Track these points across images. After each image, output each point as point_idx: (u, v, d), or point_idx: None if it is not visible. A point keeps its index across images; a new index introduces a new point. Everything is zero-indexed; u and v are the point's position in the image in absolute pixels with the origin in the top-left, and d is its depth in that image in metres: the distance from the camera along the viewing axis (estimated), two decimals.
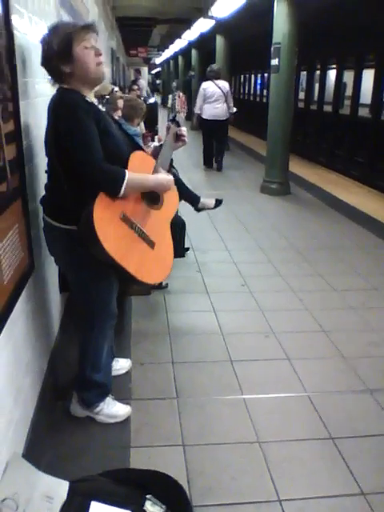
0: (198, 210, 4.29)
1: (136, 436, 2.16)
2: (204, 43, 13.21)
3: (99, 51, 1.84)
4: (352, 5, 8.58)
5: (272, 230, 5.24)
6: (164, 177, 1.96)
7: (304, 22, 6.55)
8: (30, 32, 2.08)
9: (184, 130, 2.13)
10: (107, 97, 3.54)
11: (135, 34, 15.80)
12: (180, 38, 14.23)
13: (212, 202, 4.32)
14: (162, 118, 14.70)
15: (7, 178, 1.64)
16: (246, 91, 19.23)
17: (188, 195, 4.22)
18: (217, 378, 2.60)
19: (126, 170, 1.79)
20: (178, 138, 2.12)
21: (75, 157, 1.73)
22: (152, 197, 1.95)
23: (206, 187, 7.21)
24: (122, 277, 1.94)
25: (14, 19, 1.89)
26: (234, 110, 8.12)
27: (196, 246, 4.60)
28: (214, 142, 8.25)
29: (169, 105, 2.95)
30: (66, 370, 2.47)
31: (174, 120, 2.14)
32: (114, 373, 2.53)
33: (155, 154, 2.18)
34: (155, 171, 1.97)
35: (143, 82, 16.04)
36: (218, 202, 4.34)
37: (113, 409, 2.24)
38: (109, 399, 2.26)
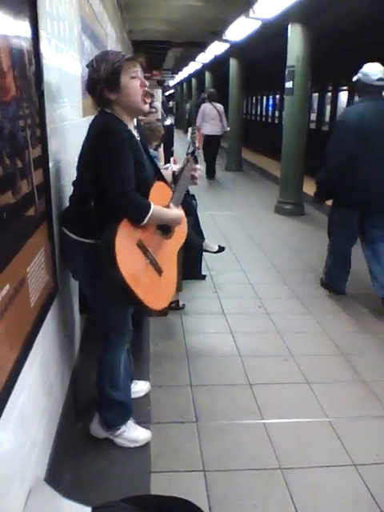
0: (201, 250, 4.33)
1: (156, 461, 2.15)
2: (218, 66, 13.38)
3: (144, 82, 1.90)
4: (364, 27, 8.68)
5: (287, 250, 5.23)
6: (179, 214, 2.04)
7: (317, 44, 6.63)
8: (56, 58, 2.12)
9: (199, 168, 2.21)
10: None
11: (150, 56, 16.08)
12: (194, 60, 14.42)
13: (215, 247, 4.45)
14: (178, 139, 14.87)
15: (35, 203, 1.66)
16: (259, 112, 19.44)
17: (196, 231, 4.27)
18: (236, 402, 2.58)
19: (152, 203, 1.85)
20: (192, 177, 2.19)
21: (109, 186, 1.79)
22: (164, 227, 2.03)
23: (220, 207, 7.26)
24: (129, 300, 1.95)
25: (43, 46, 1.94)
26: (228, 128, 9.60)
27: (212, 267, 4.60)
28: (209, 154, 9.46)
29: (188, 138, 3.02)
30: (86, 391, 2.47)
31: (193, 153, 2.19)
32: (133, 395, 2.52)
33: (173, 180, 2.22)
34: (169, 205, 2.03)
35: (158, 104, 16.20)
36: (221, 249, 4.43)
37: (133, 433, 2.23)
38: (130, 422, 2.25)
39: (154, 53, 15.10)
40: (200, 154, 2.23)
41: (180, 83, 26.13)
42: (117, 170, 1.77)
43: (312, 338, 3.32)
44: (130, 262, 1.80)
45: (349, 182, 3.55)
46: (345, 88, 14.58)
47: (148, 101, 1.91)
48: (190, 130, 2.28)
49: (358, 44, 10.14)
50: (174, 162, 7.17)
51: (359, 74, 3.60)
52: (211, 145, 9.23)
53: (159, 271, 1.98)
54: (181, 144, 13.25)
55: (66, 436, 2.17)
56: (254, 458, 2.18)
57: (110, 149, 1.78)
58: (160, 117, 11.83)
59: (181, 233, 2.18)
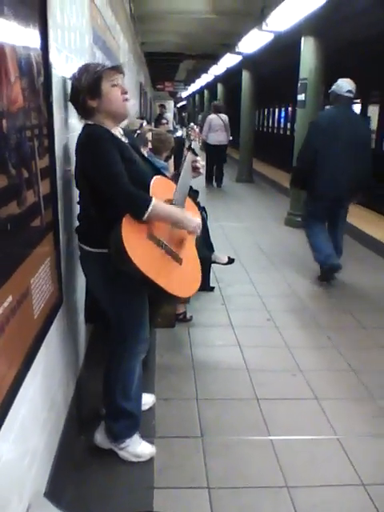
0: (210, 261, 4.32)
1: (159, 476, 2.11)
2: (230, 78, 13.44)
3: (125, 89, 1.97)
4: (380, 40, 8.67)
5: (297, 263, 5.18)
6: (190, 216, 2.01)
7: (331, 56, 6.63)
8: (67, 69, 2.13)
9: (199, 159, 2.23)
10: (139, 131, 3.60)
11: (162, 68, 16.23)
12: (206, 72, 14.50)
13: (224, 258, 4.42)
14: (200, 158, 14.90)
15: (41, 213, 1.65)
16: (271, 124, 19.49)
17: (205, 243, 4.25)
18: (242, 417, 2.54)
19: (153, 198, 1.85)
20: (195, 168, 2.22)
21: (104, 186, 1.84)
22: None
23: (230, 218, 7.24)
24: (153, 292, 1.97)
25: (52, 57, 1.95)
26: (230, 138, 10.20)
27: (220, 279, 4.57)
28: (216, 162, 10.04)
29: (184, 135, 3.18)
30: (90, 403, 2.45)
31: (189, 148, 2.23)
32: None
33: (173, 180, 2.23)
34: (173, 199, 2.03)
35: (169, 115, 16.36)
36: (230, 260, 4.40)
37: (138, 448, 2.19)
38: (136, 437, 2.21)
39: (167, 65, 15.22)
40: (197, 146, 2.28)
41: (192, 95, 26.29)
42: (107, 168, 1.82)
43: (321, 352, 3.27)
44: (141, 252, 1.80)
45: (319, 176, 4.17)
46: (358, 101, 14.56)
47: (127, 105, 1.99)
48: (185, 128, 2.36)
49: (373, 57, 10.13)
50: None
51: (333, 86, 4.28)
52: (218, 153, 9.92)
53: (178, 260, 1.97)
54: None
55: (69, 449, 2.14)
56: (259, 476, 2.13)
57: (95, 152, 1.84)
58: (171, 128, 11.95)
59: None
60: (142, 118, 7.83)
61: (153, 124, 9.84)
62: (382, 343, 3.38)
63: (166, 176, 2.25)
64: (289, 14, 5.71)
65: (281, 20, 6.05)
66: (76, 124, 2.00)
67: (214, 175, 10.20)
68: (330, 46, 6.67)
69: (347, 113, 4.30)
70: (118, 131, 2.03)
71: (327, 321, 3.73)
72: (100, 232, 1.89)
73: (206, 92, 19.12)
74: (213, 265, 4.48)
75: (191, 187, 5.05)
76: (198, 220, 2.05)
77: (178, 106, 36.35)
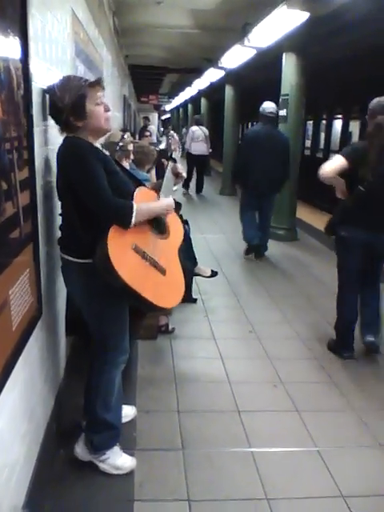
0: (192, 273, 4.34)
1: (140, 489, 2.09)
2: (213, 92, 13.56)
3: (108, 107, 1.99)
4: (360, 58, 8.85)
5: (280, 275, 5.22)
6: (165, 201, 2.12)
7: (311, 73, 6.74)
8: (47, 81, 2.13)
9: (179, 166, 2.38)
10: (121, 144, 3.61)
11: (147, 81, 16.33)
12: (190, 86, 14.60)
13: (208, 271, 4.45)
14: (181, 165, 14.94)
15: (20, 225, 1.65)
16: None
17: (188, 256, 4.27)
18: (224, 430, 2.53)
19: (133, 202, 1.90)
20: (177, 174, 2.36)
21: (88, 199, 1.87)
22: (159, 228, 2.08)
23: (213, 231, 7.26)
24: (138, 304, 2.02)
25: (33, 68, 1.95)
26: (210, 150, 10.92)
27: (203, 290, 4.58)
28: (196, 170, 10.86)
29: (164, 146, 3.39)
30: (70, 415, 2.42)
31: (171, 157, 2.35)
32: None
33: (155, 189, 2.30)
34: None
35: (153, 127, 16.42)
36: (214, 273, 4.43)
37: (118, 460, 2.18)
38: (116, 448, 2.20)
39: (151, 78, 15.32)
40: (177, 155, 2.46)
41: (176, 108, 26.45)
42: (90, 182, 1.84)
43: (302, 364, 3.28)
44: (127, 266, 1.84)
45: (248, 175, 5.41)
46: (339, 116, 14.82)
47: (109, 122, 2.02)
48: (164, 137, 2.52)
49: (353, 74, 10.34)
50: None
51: (260, 108, 5.49)
52: (199, 163, 10.73)
53: (162, 271, 2.01)
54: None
55: (48, 462, 2.12)
56: (240, 488, 2.13)
57: (77, 165, 1.85)
58: (155, 140, 12.05)
59: (178, 231, 2.24)
60: (124, 130, 7.87)
61: (137, 136, 9.89)
62: (361, 355, 3.39)
63: (145, 186, 2.29)
64: (270, 31, 5.80)
65: (262, 36, 6.14)
66: (56, 136, 1.99)
67: (189, 182, 10.85)
68: (312, 63, 6.79)
69: (268, 128, 5.48)
70: (98, 144, 2.07)
71: (308, 332, 3.76)
72: (83, 242, 1.92)
73: (189, 106, 19.25)
74: (196, 277, 4.49)
75: (175, 200, 5.07)
76: (167, 201, 2.13)
77: (163, 118, 36.55)
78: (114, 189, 1.89)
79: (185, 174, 2.40)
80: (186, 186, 10.72)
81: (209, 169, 12.68)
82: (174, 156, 2.45)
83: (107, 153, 2.11)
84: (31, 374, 1.87)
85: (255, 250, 5.73)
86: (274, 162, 5.36)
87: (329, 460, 2.32)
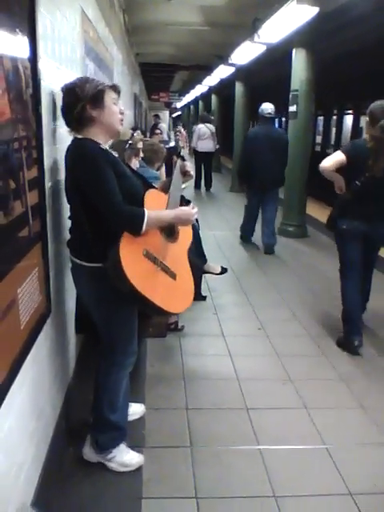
0: (202, 271, 4.35)
1: (148, 486, 2.11)
2: (224, 89, 13.53)
3: (122, 109, 2.04)
4: (370, 52, 8.77)
5: (289, 272, 5.21)
6: (181, 211, 2.07)
7: (322, 68, 6.70)
8: (56, 81, 2.15)
9: (188, 164, 2.31)
10: (130, 142, 3.61)
11: (157, 79, 16.32)
12: (201, 83, 14.58)
13: (217, 268, 4.45)
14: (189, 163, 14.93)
15: (29, 223, 1.66)
16: None
17: (197, 253, 4.28)
18: (232, 427, 2.54)
19: (145, 209, 1.89)
20: (185, 173, 2.31)
21: (99, 204, 1.85)
22: (169, 232, 2.08)
23: (223, 228, 7.26)
24: (148, 310, 2.03)
25: (42, 68, 1.97)
26: (217, 146, 11.09)
27: (213, 288, 4.58)
28: (204, 167, 10.90)
29: (173, 141, 3.32)
30: (79, 414, 2.44)
31: (179, 155, 2.31)
32: (128, 418, 2.50)
33: (164, 188, 2.28)
34: (167, 204, 2.09)
35: (164, 125, 16.42)
36: (223, 270, 4.43)
37: (125, 457, 2.19)
38: (123, 446, 2.21)
39: (162, 75, 15.31)
40: (186, 152, 2.39)
41: (187, 105, 26.40)
42: (101, 186, 1.82)
43: (311, 361, 3.28)
44: (140, 274, 1.84)
45: (252, 174, 5.80)
46: (350, 111, 14.70)
47: (122, 123, 2.02)
48: (172, 132, 2.46)
49: (364, 69, 10.24)
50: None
51: (259, 109, 5.88)
52: (206, 159, 10.81)
53: (173, 275, 2.02)
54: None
55: (57, 460, 2.14)
56: (248, 485, 2.13)
57: (88, 168, 1.83)
58: (166, 138, 12.10)
59: (186, 232, 2.22)
60: (135, 128, 7.89)
61: (148, 134, 9.90)
62: (371, 352, 3.39)
63: (155, 187, 2.29)
64: (280, 26, 5.77)
65: (272, 32, 6.11)
66: (65, 135, 2.00)
67: (201, 180, 10.96)
68: (322, 58, 6.75)
69: (267, 128, 5.86)
70: (107, 146, 2.05)
71: (317, 330, 3.75)
72: (92, 246, 1.91)
73: (200, 103, 19.21)
74: (205, 274, 4.50)
75: (183, 197, 5.05)
76: (190, 210, 2.08)
77: (174, 116, 36.51)
78: (124, 192, 1.87)
79: (193, 172, 2.36)
80: (197, 185, 10.81)
81: (219, 165, 12.95)
82: (182, 153, 2.43)
83: (116, 153, 2.09)
84: (40, 372, 1.89)
85: (247, 240, 6.35)
86: (275, 159, 5.72)
87: (337, 458, 2.31)
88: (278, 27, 5.86)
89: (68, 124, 1.96)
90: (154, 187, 2.23)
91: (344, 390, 2.91)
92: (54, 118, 2.12)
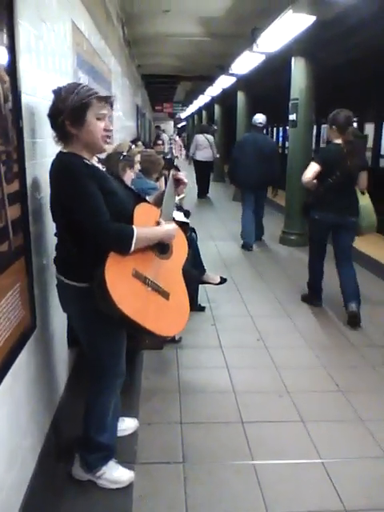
0: (200, 281, 4.34)
1: (138, 503, 2.06)
2: (226, 98, 13.58)
3: (109, 126, 1.88)
4: (372, 59, 8.76)
5: (290, 282, 5.16)
6: (169, 227, 1.98)
7: (323, 76, 6.71)
8: (45, 93, 2.13)
9: (181, 174, 2.18)
10: (124, 153, 3.60)
11: (160, 90, 16.42)
12: (203, 93, 14.65)
13: (216, 278, 4.42)
14: (184, 172, 14.98)
15: (9, 238, 1.64)
16: None
17: (196, 264, 4.26)
18: (226, 441, 2.49)
19: (134, 227, 1.80)
20: (178, 182, 2.17)
21: (83, 221, 1.76)
22: (162, 247, 1.97)
23: (224, 238, 7.22)
24: (140, 334, 1.94)
25: (29, 81, 1.96)
26: (217, 155, 11.47)
27: (212, 299, 4.54)
28: (202, 176, 11.25)
29: (166, 150, 3.27)
30: (71, 429, 2.40)
31: (172, 164, 2.16)
32: (119, 433, 2.45)
33: (157, 200, 2.19)
34: (160, 215, 1.99)
35: (166, 136, 16.52)
36: (223, 280, 4.40)
37: (115, 473, 2.15)
38: (112, 463, 2.17)
39: (164, 86, 15.39)
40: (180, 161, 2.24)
41: (191, 115, 26.51)
42: (86, 204, 1.74)
43: (310, 373, 3.23)
44: (127, 296, 1.75)
45: (240, 173, 6.43)
46: (354, 119, 14.60)
47: (109, 141, 1.89)
48: (168, 140, 2.32)
49: (368, 76, 10.22)
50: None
51: (252, 119, 6.62)
52: (204, 168, 11.23)
53: (165, 295, 1.92)
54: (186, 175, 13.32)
55: (47, 477, 2.10)
56: (240, 502, 2.08)
57: (70, 184, 1.75)
58: (167, 149, 12.21)
59: (182, 247, 2.12)
60: (137, 139, 7.91)
61: (151, 145, 9.92)
62: (372, 362, 3.34)
63: (147, 201, 2.22)
64: (278, 36, 5.77)
65: (270, 41, 6.12)
66: (52, 149, 1.97)
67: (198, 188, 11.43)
68: (323, 66, 6.75)
69: (257, 135, 6.51)
70: (94, 160, 1.95)
71: (317, 340, 3.70)
72: (79, 265, 1.84)
73: (204, 113, 19.29)
74: (205, 285, 4.46)
75: (182, 208, 5.01)
76: (171, 226, 1.99)
77: (179, 126, 36.70)
78: (112, 210, 1.79)
79: (186, 180, 2.20)
80: (199, 194, 11.26)
81: (221, 175, 13.28)
82: (176, 163, 2.33)
83: (103, 167, 2.01)
84: (25, 389, 1.86)
85: (248, 246, 6.60)
86: (260, 163, 6.25)
87: (333, 472, 2.26)
88: (276, 36, 5.87)
89: (53, 130, 1.86)
90: (144, 199, 2.18)
91: (342, 403, 2.86)
92: (34, 132, 2.07)
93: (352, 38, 7.40)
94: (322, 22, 5.23)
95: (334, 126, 3.82)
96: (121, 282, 1.75)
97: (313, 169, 3.86)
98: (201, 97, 15.93)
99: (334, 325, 3.97)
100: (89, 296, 1.77)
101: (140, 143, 7.76)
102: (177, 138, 5.75)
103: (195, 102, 18.61)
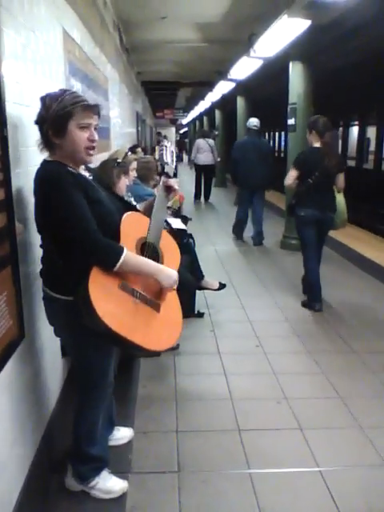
0: (199, 287, 4.31)
1: None
2: (226, 104, 13.61)
3: (93, 136, 1.79)
4: (372, 63, 8.74)
5: (290, 286, 5.12)
6: (170, 272, 1.88)
7: (323, 79, 6.69)
8: (33, 101, 2.11)
9: (172, 180, 2.11)
10: (119, 160, 3.59)
11: (161, 96, 16.46)
12: (203, 99, 14.67)
13: (215, 284, 4.40)
14: (182, 175, 14.99)
15: None
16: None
17: (194, 270, 4.24)
18: (222, 450, 2.46)
19: (125, 249, 1.73)
20: (169, 189, 2.10)
21: (68, 232, 1.70)
22: (152, 256, 1.91)
23: (225, 242, 7.21)
24: (129, 350, 1.88)
25: (15, 89, 1.94)
26: (218, 159, 11.63)
27: (211, 304, 4.52)
28: (203, 180, 11.56)
29: (156, 157, 3.23)
30: (64, 439, 2.36)
31: (163, 172, 2.12)
32: (115, 443, 2.45)
33: (148, 208, 2.15)
34: (147, 236, 1.92)
35: (166, 142, 16.56)
36: (222, 286, 4.37)
37: (108, 484, 2.12)
38: (105, 473, 2.15)
39: (165, 93, 15.44)
40: (171, 168, 2.18)
41: (193, 121, 26.57)
42: (72, 214, 1.69)
43: (309, 379, 3.19)
44: (113, 310, 1.68)
45: (240, 174, 7.01)
46: (356, 123, 14.64)
47: (92, 153, 1.81)
48: (157, 148, 2.26)
49: (369, 79, 10.21)
50: (181, 198, 7.26)
51: (247, 123, 7.15)
52: (206, 172, 11.46)
53: (156, 307, 1.85)
54: (186, 179, 13.45)
55: (39, 488, 2.07)
56: None
57: (57, 195, 1.69)
58: (157, 155, 12.31)
59: (174, 254, 2.05)
60: (136, 146, 7.91)
61: (150, 152, 9.93)
62: (372, 368, 3.29)
63: (135, 208, 2.19)
64: (274, 40, 5.77)
65: (267, 46, 6.12)
66: (39, 156, 1.95)
67: (201, 192, 11.66)
68: (322, 70, 6.74)
69: (253, 138, 6.99)
70: (81, 168, 1.89)
71: (317, 346, 3.66)
72: (65, 278, 1.78)
73: (205, 118, 19.32)
74: (204, 291, 4.44)
75: (185, 216, 4.96)
76: (174, 275, 1.90)
77: (181, 132, 36.77)
78: (97, 219, 1.74)
79: (177, 187, 2.13)
80: (196, 195, 11.66)
81: (223, 180, 13.60)
82: (166, 170, 2.21)
83: (91, 175, 1.96)
84: (11, 401, 1.81)
85: (239, 236, 7.38)
86: (259, 164, 6.73)
87: (330, 481, 2.22)
88: (272, 41, 5.87)
89: (40, 142, 1.81)
90: (134, 209, 2.14)
91: (342, 409, 2.82)
92: (27, 141, 2.05)
93: (351, 42, 7.39)
94: (319, 26, 5.21)
95: (313, 131, 4.23)
96: (106, 296, 1.68)
97: (293, 174, 4.28)
98: (201, 103, 15.98)
99: (334, 330, 3.93)
100: (76, 309, 1.71)
101: (139, 150, 7.77)
102: (167, 144, 5.65)
103: (196, 107, 18.66)
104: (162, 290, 1.89)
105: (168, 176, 2.15)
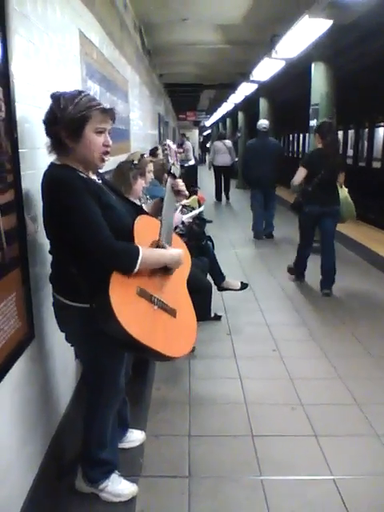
0: (221, 288, 4.33)
1: None
2: (249, 105, 13.55)
3: (109, 142, 1.76)
4: None
5: (310, 289, 5.05)
6: (174, 252, 1.88)
7: (345, 80, 6.60)
8: (45, 103, 2.11)
9: (180, 182, 2.08)
10: (135, 162, 3.59)
11: (184, 99, 16.50)
12: (226, 101, 14.64)
13: (237, 284, 4.36)
14: (204, 177, 14.96)
15: (3, 249, 1.63)
16: (291, 150, 19.61)
17: (214, 272, 4.21)
18: (234, 455, 2.42)
19: (139, 247, 1.72)
20: (178, 192, 2.08)
21: (82, 239, 1.66)
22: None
23: (245, 244, 7.16)
24: (147, 357, 1.85)
25: (18, 92, 1.95)
26: (236, 159, 12.05)
27: (229, 307, 4.48)
28: (223, 180, 11.97)
29: (162, 156, 3.20)
30: (75, 441, 2.36)
31: (169, 172, 2.07)
32: (127, 445, 2.44)
33: (155, 209, 2.14)
34: (160, 239, 1.89)
35: (189, 143, 16.61)
36: (244, 285, 4.35)
37: (118, 487, 2.11)
38: (114, 476, 2.13)
39: (188, 95, 15.46)
40: (177, 168, 2.13)
41: (216, 123, 26.55)
42: (85, 220, 1.64)
43: (325, 384, 3.13)
44: (135, 318, 1.65)
45: (252, 175, 7.45)
46: (382, 124, 14.44)
47: (106, 159, 1.77)
48: (159, 147, 2.21)
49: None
50: (201, 200, 7.24)
51: (257, 124, 7.59)
52: (224, 173, 11.84)
53: (172, 312, 1.83)
54: (207, 181, 13.45)
55: (49, 490, 2.07)
56: None
57: (68, 202, 1.64)
58: (190, 156, 12.33)
59: (184, 257, 2.01)
60: (156, 148, 7.92)
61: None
62: None
63: (144, 212, 2.17)
64: (296, 41, 5.71)
65: (289, 47, 6.06)
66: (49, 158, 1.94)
67: (221, 192, 12.05)
68: (344, 71, 6.65)
69: (263, 139, 7.44)
70: (92, 174, 1.85)
71: (334, 350, 3.59)
72: (78, 285, 1.73)
73: (228, 120, 19.29)
74: (224, 292, 4.41)
75: (204, 218, 4.92)
76: (178, 252, 1.90)
77: (204, 134, 36.77)
78: (110, 225, 1.70)
79: (186, 190, 2.10)
80: (217, 196, 12.02)
81: (243, 182, 13.48)
82: (173, 171, 2.11)
83: (100, 179, 1.89)
84: (20, 403, 1.82)
85: (259, 237, 7.58)
86: (269, 164, 7.14)
87: (344, 489, 2.17)
88: (294, 42, 5.81)
89: (49, 143, 1.76)
90: (143, 212, 2.11)
91: (358, 416, 2.75)
92: (37, 142, 2.05)
93: (375, 42, 7.27)
94: (341, 26, 5.14)
95: (317, 134, 4.73)
96: (127, 305, 1.64)
97: (302, 174, 4.72)
98: (224, 104, 15.95)
99: (352, 334, 3.86)
100: (89, 317, 1.68)
101: (160, 152, 7.77)
102: (171, 144, 5.49)
103: (219, 109, 18.64)
104: (177, 284, 1.90)
105: (174, 177, 2.10)
